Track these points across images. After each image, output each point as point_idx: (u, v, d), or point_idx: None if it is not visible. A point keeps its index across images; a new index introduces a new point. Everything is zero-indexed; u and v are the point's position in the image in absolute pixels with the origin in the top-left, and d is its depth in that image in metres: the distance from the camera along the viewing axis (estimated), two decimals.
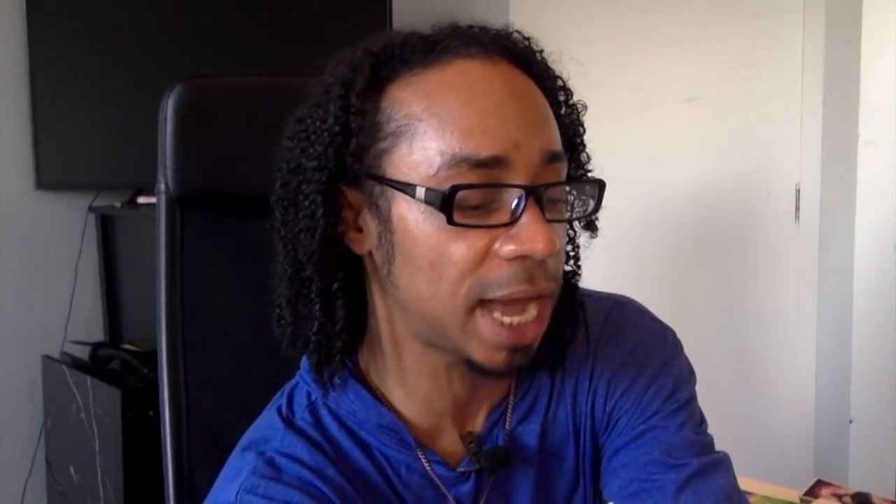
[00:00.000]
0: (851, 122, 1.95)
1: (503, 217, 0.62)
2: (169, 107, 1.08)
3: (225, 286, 1.11)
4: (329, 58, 0.70)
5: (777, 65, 2.08)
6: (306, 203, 0.67)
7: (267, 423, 0.74)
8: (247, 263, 1.14)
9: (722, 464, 0.74)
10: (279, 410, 0.74)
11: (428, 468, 0.71)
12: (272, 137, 1.08)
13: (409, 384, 0.72)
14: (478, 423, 0.74)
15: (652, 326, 0.80)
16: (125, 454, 1.87)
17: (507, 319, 0.63)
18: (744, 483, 1.30)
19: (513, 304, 0.63)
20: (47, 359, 2.27)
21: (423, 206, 0.62)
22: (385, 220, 0.65)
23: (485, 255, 0.62)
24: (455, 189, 0.60)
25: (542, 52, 0.69)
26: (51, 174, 2.27)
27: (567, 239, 0.72)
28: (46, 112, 2.24)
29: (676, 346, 0.80)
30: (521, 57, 0.67)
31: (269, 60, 2.29)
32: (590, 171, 0.72)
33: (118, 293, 2.37)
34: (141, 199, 2.21)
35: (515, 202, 0.62)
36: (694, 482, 0.70)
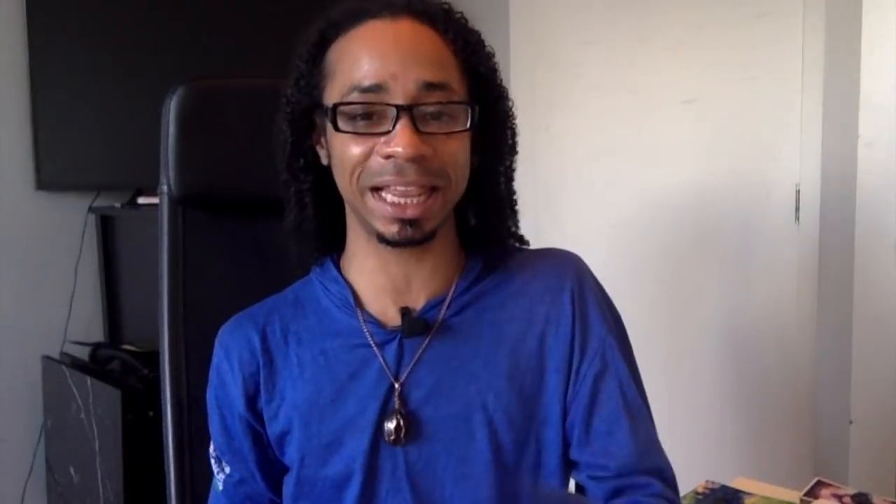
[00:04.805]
0: (851, 123, 1.95)
1: (387, 127, 0.82)
2: (171, 108, 1.09)
3: (226, 286, 1.11)
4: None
5: (777, 65, 2.08)
6: (283, 126, 0.91)
7: None
8: (248, 263, 1.14)
9: None
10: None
11: (363, 326, 0.91)
12: (274, 139, 1.07)
13: (359, 262, 0.92)
14: (416, 307, 0.91)
15: (601, 291, 0.97)
16: (125, 455, 1.87)
17: (390, 198, 0.83)
18: (744, 483, 1.30)
19: (393, 190, 0.83)
20: (47, 359, 2.27)
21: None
22: (327, 136, 0.89)
23: (369, 154, 0.83)
24: (336, 105, 0.84)
25: (447, 11, 0.88)
26: (51, 174, 2.27)
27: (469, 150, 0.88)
28: (46, 112, 2.24)
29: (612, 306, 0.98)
30: (424, 14, 0.86)
31: (271, 63, 2.28)
32: (502, 109, 0.90)
33: (118, 293, 2.37)
34: (141, 200, 2.21)
35: (392, 116, 0.82)
36: None
